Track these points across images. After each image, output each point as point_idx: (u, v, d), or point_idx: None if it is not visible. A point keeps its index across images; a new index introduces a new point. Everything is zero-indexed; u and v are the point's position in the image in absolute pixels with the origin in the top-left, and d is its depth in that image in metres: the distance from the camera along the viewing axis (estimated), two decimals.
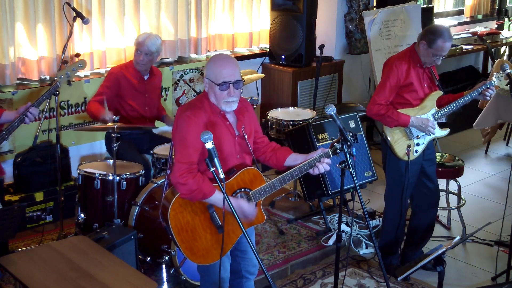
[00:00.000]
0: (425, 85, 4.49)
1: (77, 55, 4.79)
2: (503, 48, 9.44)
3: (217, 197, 3.24)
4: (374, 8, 7.21)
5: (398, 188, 4.57)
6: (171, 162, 3.44)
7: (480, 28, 8.83)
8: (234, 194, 3.37)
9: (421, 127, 4.43)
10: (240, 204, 3.31)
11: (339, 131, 3.47)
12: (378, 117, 4.44)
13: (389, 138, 4.49)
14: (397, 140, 4.49)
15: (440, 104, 4.54)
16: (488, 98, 4.51)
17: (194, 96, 6.10)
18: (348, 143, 3.45)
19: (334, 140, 3.50)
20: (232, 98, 3.29)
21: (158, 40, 5.03)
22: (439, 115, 4.50)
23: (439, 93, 4.52)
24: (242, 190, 3.39)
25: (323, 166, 3.41)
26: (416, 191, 4.67)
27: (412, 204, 4.75)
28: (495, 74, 4.61)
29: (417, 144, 4.51)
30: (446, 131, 4.59)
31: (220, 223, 3.26)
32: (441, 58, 4.35)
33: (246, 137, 3.41)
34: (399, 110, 4.41)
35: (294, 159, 3.50)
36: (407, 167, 4.47)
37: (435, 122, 4.49)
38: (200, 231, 3.32)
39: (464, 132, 7.86)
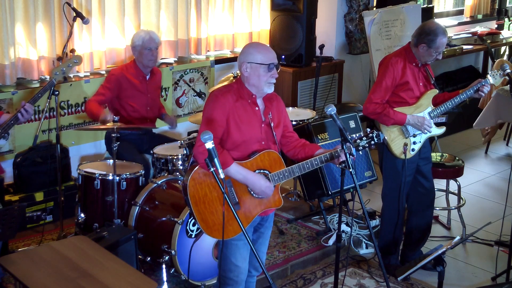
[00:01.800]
0: (421, 83, 4.50)
1: (72, 50, 4.78)
2: (503, 48, 9.45)
3: (233, 169, 3.32)
4: (374, 8, 7.22)
5: (395, 187, 4.57)
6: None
7: (480, 28, 8.83)
8: None
9: (417, 125, 4.44)
10: (258, 178, 3.38)
11: (340, 131, 3.49)
12: (374, 115, 4.45)
13: (385, 137, 4.50)
14: (394, 139, 4.49)
15: (436, 102, 4.54)
16: (483, 95, 4.51)
17: (194, 96, 6.12)
18: (348, 143, 3.49)
19: (359, 136, 3.60)
20: (274, 79, 3.44)
21: None
22: (435, 113, 4.50)
23: (434, 91, 4.53)
24: (262, 171, 3.44)
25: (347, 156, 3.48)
26: (411, 190, 4.67)
27: (408, 203, 4.75)
28: (490, 72, 4.63)
29: (414, 143, 4.51)
30: (442, 129, 4.59)
31: (237, 200, 3.33)
32: (441, 52, 4.39)
33: (272, 125, 3.48)
34: (395, 109, 4.42)
35: (321, 153, 3.57)
36: (404, 166, 4.48)
37: (431, 121, 4.50)
38: (217, 205, 3.36)
39: (464, 132, 7.86)
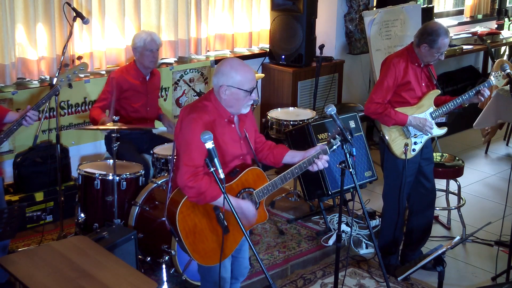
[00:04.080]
0: (423, 84, 4.50)
1: (79, 57, 4.77)
2: (503, 48, 9.44)
3: (223, 199, 3.24)
4: (374, 8, 7.21)
5: (395, 187, 4.57)
6: (173, 166, 3.43)
7: (480, 28, 8.83)
8: (238, 195, 3.38)
9: (418, 127, 4.44)
10: (243, 206, 3.31)
11: (340, 131, 3.48)
12: (376, 115, 4.45)
13: (386, 137, 4.50)
14: (395, 139, 4.49)
15: (437, 103, 4.54)
16: (482, 99, 4.51)
17: (194, 96, 6.11)
18: (348, 143, 3.48)
19: (330, 136, 3.53)
20: (252, 101, 3.35)
21: None
22: (436, 114, 4.50)
23: (437, 92, 4.53)
24: (246, 190, 3.40)
25: (322, 163, 3.43)
26: (413, 190, 4.67)
27: (409, 203, 4.76)
28: (493, 73, 4.62)
29: (415, 143, 4.51)
30: (444, 130, 4.59)
31: (226, 224, 3.27)
32: (443, 53, 4.39)
33: (248, 137, 3.44)
34: (396, 109, 4.42)
35: (292, 155, 3.53)
36: (405, 166, 4.47)
37: (433, 122, 4.49)
38: (207, 232, 3.32)
39: (464, 132, 7.86)
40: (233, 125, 3.39)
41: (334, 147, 3.48)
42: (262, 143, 3.62)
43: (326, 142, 3.51)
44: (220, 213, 3.27)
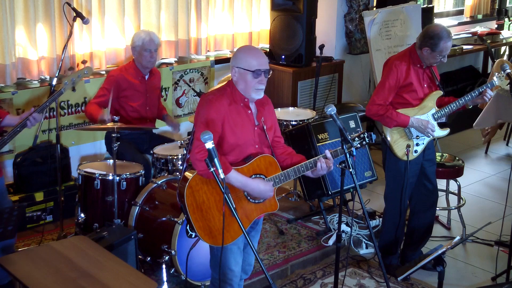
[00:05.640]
0: (425, 85, 4.49)
1: (84, 61, 4.79)
2: (503, 48, 9.45)
3: (232, 176, 3.30)
4: (374, 8, 7.22)
5: (397, 188, 4.57)
6: (191, 147, 3.47)
7: (480, 28, 8.83)
8: None
9: (420, 128, 4.43)
10: (257, 183, 3.37)
11: (340, 131, 3.49)
12: (377, 117, 4.45)
13: (388, 138, 4.50)
14: (397, 140, 4.49)
15: (440, 104, 4.54)
16: (486, 99, 4.52)
17: (194, 96, 6.12)
18: (349, 143, 3.51)
19: (350, 138, 3.61)
20: (262, 86, 3.46)
21: None
22: (439, 115, 4.50)
23: (439, 93, 4.53)
24: (258, 176, 3.43)
25: (324, 164, 3.47)
26: (415, 191, 4.67)
27: (411, 204, 4.76)
28: (496, 74, 4.62)
29: (417, 144, 4.51)
30: (446, 131, 4.59)
31: (234, 206, 3.28)
32: (446, 55, 4.38)
33: (265, 128, 3.49)
34: (398, 110, 4.41)
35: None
36: (407, 167, 4.47)
37: (435, 124, 4.49)
38: (215, 212, 3.35)
39: (464, 132, 7.86)
40: (249, 111, 3.46)
41: (352, 148, 3.56)
42: (282, 145, 3.66)
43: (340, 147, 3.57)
44: (229, 194, 3.29)
